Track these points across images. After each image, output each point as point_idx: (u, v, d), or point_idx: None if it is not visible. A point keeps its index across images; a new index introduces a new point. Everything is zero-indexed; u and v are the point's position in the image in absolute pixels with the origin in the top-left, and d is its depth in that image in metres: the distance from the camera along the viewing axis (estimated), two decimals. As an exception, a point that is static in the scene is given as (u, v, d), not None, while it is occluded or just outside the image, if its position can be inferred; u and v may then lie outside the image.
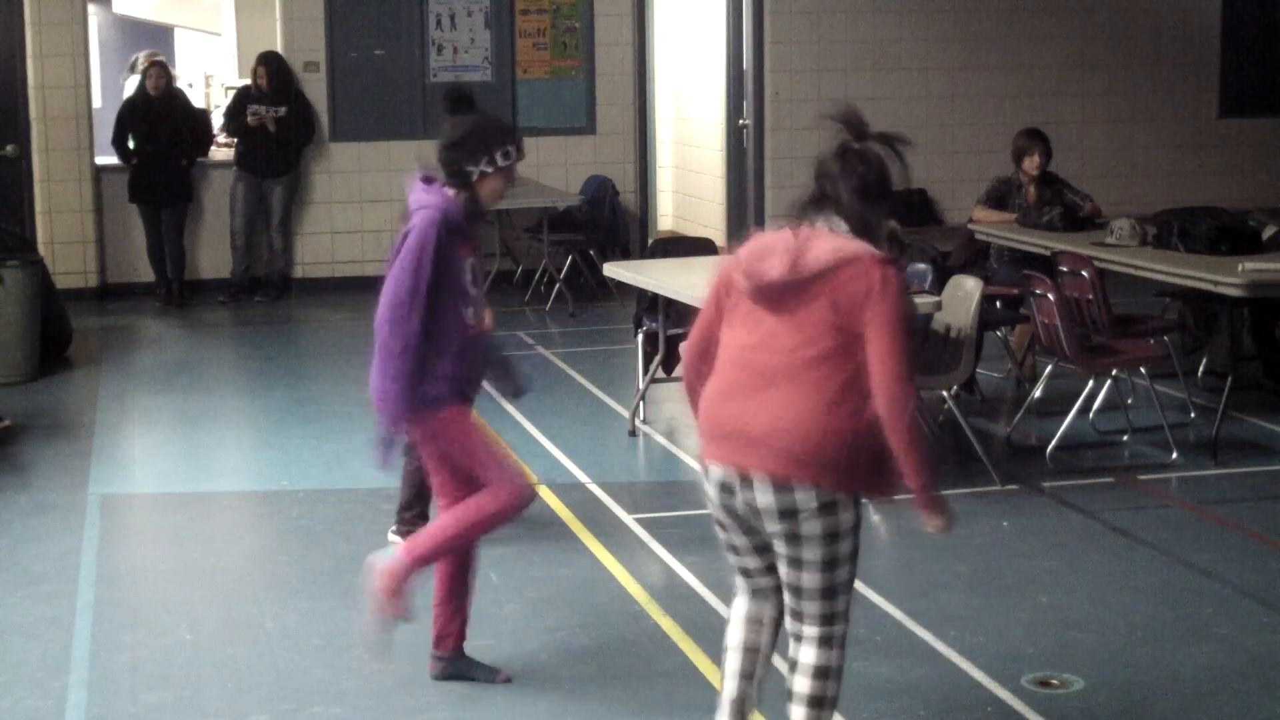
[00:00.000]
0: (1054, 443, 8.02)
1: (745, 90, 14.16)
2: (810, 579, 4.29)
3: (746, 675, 4.48)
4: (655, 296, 8.69)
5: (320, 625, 5.99)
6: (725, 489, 4.32)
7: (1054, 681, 5.39)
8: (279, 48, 13.39)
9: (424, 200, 5.18)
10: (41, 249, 12.42)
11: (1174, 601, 6.16)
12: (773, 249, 4.29)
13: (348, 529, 7.17)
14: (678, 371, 9.37)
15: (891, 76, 14.00)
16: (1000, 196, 10.06)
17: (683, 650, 5.69)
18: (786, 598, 4.38)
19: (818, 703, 4.36)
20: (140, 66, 13.79)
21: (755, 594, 4.50)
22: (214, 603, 6.29)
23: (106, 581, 6.52)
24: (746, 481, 4.25)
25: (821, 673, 4.35)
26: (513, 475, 5.31)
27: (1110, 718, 5.17)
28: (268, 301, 13.13)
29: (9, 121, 12.90)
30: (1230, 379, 8.32)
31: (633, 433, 8.71)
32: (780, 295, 4.24)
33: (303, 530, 7.20)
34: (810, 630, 4.35)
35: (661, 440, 8.65)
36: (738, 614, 4.52)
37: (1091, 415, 8.56)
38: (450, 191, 5.19)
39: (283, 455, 8.49)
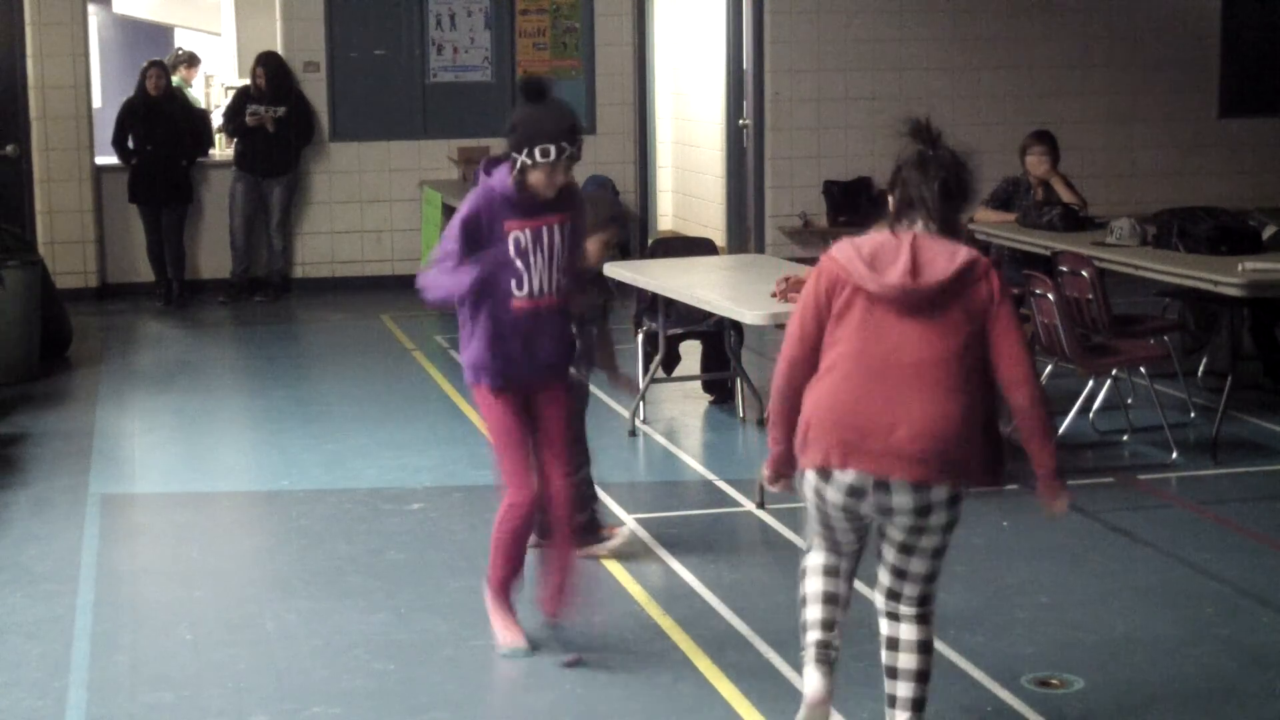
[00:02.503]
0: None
1: (745, 90, 14.15)
2: (918, 564, 4.53)
3: (828, 625, 4.67)
4: (655, 296, 8.69)
5: (320, 625, 5.99)
6: (855, 493, 4.46)
7: (1054, 681, 5.39)
8: (279, 48, 13.39)
9: (480, 181, 5.47)
10: (41, 249, 12.42)
11: (1174, 601, 6.16)
12: (881, 252, 4.45)
13: (348, 529, 7.17)
14: (678, 371, 9.40)
15: (891, 76, 14.00)
16: (1007, 197, 10.06)
17: (683, 650, 5.69)
18: (885, 578, 4.59)
19: (923, 676, 4.62)
20: (169, 62, 13.89)
21: (832, 550, 4.67)
22: (214, 603, 6.29)
23: (106, 581, 6.52)
24: (882, 485, 4.41)
25: (924, 647, 4.61)
26: (516, 481, 5.51)
27: (1110, 718, 5.17)
28: (268, 301, 13.13)
29: (9, 121, 12.89)
30: (1230, 379, 8.32)
31: (633, 433, 8.71)
32: (919, 300, 4.40)
33: (303, 530, 7.20)
34: (908, 610, 4.58)
35: (661, 440, 8.65)
36: (815, 564, 4.69)
37: (1091, 415, 8.56)
38: (511, 171, 5.39)
39: (283, 455, 8.49)
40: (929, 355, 4.39)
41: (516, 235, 5.34)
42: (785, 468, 4.65)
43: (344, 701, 5.31)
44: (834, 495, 4.48)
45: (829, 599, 4.66)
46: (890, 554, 4.54)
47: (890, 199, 4.57)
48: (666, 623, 5.95)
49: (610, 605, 6.14)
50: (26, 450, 8.57)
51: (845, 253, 4.50)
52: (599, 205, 6.80)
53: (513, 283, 5.36)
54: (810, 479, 4.53)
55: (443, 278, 5.38)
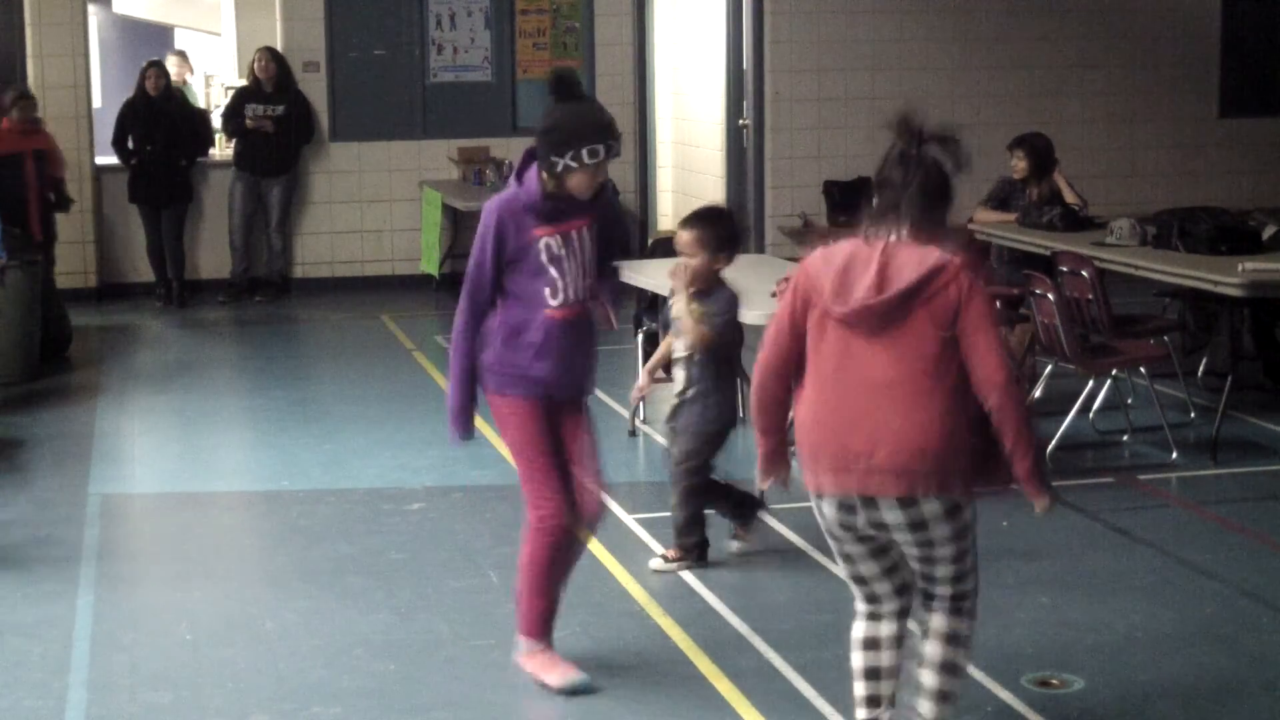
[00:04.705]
0: (1054, 443, 8.01)
1: (745, 90, 14.14)
2: (943, 570, 4.47)
3: (874, 701, 4.59)
4: (655, 296, 8.69)
5: (320, 625, 5.99)
6: (845, 508, 4.39)
7: (1054, 681, 5.39)
8: (279, 47, 13.39)
9: (510, 185, 5.22)
10: (41, 249, 12.43)
11: (1174, 601, 6.16)
12: (852, 266, 4.34)
13: (348, 529, 7.17)
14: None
15: (891, 76, 13.99)
16: (1004, 197, 10.06)
17: (682, 650, 5.69)
18: (917, 578, 4.53)
19: (949, 669, 4.54)
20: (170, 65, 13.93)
21: (871, 612, 4.60)
22: (214, 603, 6.29)
23: (106, 581, 6.52)
24: (870, 502, 4.34)
25: (953, 639, 4.53)
26: (548, 493, 5.25)
27: (1110, 718, 5.17)
28: (267, 301, 13.13)
29: (9, 122, 12.88)
30: (1230, 379, 8.32)
31: (633, 433, 8.71)
32: (878, 317, 4.30)
33: (303, 530, 7.20)
34: (942, 601, 4.52)
35: (662, 440, 8.63)
36: (856, 636, 4.63)
37: (1091, 415, 8.56)
38: (542, 174, 5.10)
39: (283, 455, 8.49)
40: (902, 370, 4.29)
41: (547, 242, 5.06)
42: (773, 465, 4.58)
43: (344, 701, 5.31)
44: (830, 512, 4.43)
45: (871, 674, 4.58)
46: (914, 562, 4.48)
47: (874, 198, 4.44)
48: (667, 623, 5.95)
49: (610, 605, 6.14)
50: (26, 450, 8.57)
51: (816, 267, 4.39)
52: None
53: (546, 292, 5.10)
54: (814, 501, 4.49)
55: (455, 350, 5.20)
